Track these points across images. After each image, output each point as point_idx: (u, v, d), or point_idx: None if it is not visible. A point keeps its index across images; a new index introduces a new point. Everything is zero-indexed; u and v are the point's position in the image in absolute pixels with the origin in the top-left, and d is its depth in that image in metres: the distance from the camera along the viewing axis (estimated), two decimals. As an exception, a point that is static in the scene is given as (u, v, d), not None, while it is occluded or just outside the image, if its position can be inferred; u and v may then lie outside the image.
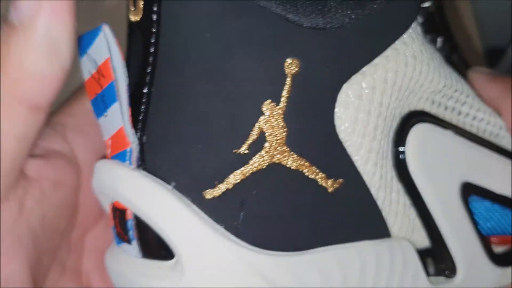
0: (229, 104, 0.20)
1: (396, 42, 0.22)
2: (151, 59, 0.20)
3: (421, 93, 0.24)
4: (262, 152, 0.20)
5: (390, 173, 0.23)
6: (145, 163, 0.21)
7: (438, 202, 0.24)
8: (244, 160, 0.20)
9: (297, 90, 0.20)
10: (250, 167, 0.20)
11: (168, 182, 0.20)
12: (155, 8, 0.20)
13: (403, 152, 0.23)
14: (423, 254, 0.25)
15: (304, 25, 0.20)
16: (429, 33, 0.25)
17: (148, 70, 0.21)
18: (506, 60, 0.38)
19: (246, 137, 0.20)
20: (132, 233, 0.21)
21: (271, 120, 0.20)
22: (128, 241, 0.22)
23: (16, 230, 0.20)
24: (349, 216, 0.22)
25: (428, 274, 0.24)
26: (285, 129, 0.20)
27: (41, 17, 0.17)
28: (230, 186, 0.20)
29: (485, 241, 0.26)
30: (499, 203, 0.26)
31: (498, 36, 0.38)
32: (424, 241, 0.25)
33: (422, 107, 0.24)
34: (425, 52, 0.23)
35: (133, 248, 0.22)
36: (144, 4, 0.20)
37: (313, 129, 0.21)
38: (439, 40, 0.26)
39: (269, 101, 0.20)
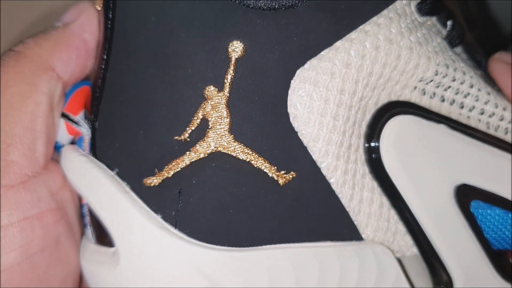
0: (171, 89, 0.20)
1: (366, 23, 0.20)
2: (107, 45, 0.21)
3: (405, 81, 0.21)
4: (205, 140, 0.19)
5: (362, 169, 0.21)
6: (95, 149, 0.21)
7: (423, 205, 0.21)
8: (185, 147, 0.20)
9: (242, 75, 0.19)
10: (191, 155, 0.19)
11: (112, 169, 0.20)
12: None
13: (376, 147, 0.21)
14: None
15: (251, 6, 0.19)
16: (431, 14, 0.23)
17: (104, 56, 0.21)
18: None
19: (188, 124, 0.19)
20: (86, 219, 0.22)
21: (213, 106, 0.19)
22: (85, 226, 0.22)
23: (60, 197, 0.21)
24: (305, 212, 0.20)
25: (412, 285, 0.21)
26: (229, 117, 0.19)
27: (78, 21, 0.22)
28: (170, 175, 0.20)
29: (493, 253, 0.22)
30: (515, 212, 0.23)
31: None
32: (411, 248, 0.22)
33: (409, 97, 0.22)
34: (410, 34, 0.21)
35: (90, 233, 0.22)
36: None
37: (262, 117, 0.20)
38: (449, 23, 0.23)
39: (211, 86, 0.19)
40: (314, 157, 0.20)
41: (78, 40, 0.21)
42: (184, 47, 0.19)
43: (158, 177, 0.20)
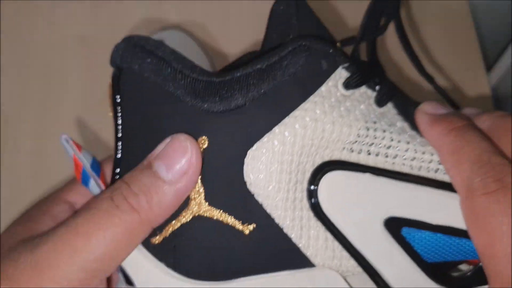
0: (162, 174, 0.28)
1: (296, 109, 0.27)
2: (119, 134, 0.29)
3: (332, 145, 0.28)
4: (188, 208, 0.28)
5: (307, 214, 0.28)
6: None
7: (359, 236, 0.28)
8: (175, 215, 0.28)
9: (209, 159, 0.27)
10: (180, 219, 0.28)
11: (129, 232, 0.29)
12: (118, 100, 0.29)
13: (316, 197, 0.28)
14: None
15: (211, 110, 0.27)
16: (359, 86, 0.30)
17: (119, 146, 0.29)
18: (506, 59, 0.36)
19: None
20: (118, 267, 0.30)
21: None
22: (118, 272, 0.31)
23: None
24: (267, 252, 0.28)
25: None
26: (203, 189, 0.27)
27: (185, 181, 0.26)
28: (167, 234, 0.28)
29: (426, 265, 0.29)
30: (442, 233, 0.29)
31: (498, 35, 0.37)
32: (357, 268, 0.29)
33: (339, 156, 0.29)
34: (333, 111, 0.28)
35: (121, 276, 0.30)
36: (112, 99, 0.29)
37: (226, 187, 0.27)
38: (377, 88, 0.30)
39: None
40: (267, 211, 0.28)
41: (182, 199, 0.26)
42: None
43: (159, 237, 0.28)
